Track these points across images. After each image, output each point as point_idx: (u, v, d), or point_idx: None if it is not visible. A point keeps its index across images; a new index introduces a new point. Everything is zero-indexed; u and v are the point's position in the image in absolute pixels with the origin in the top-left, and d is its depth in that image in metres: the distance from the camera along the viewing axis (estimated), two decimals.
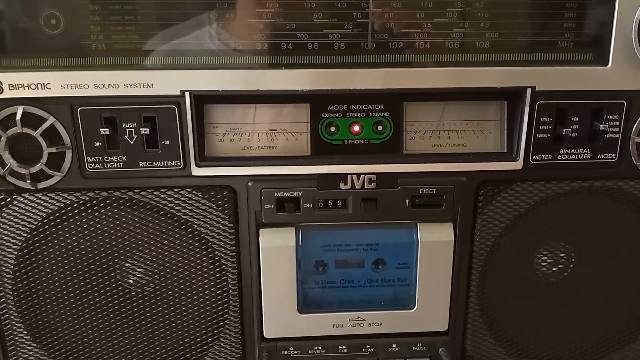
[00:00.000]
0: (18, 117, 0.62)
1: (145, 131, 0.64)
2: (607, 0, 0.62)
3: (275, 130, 0.67)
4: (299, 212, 0.67)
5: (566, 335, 0.76)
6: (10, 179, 0.65)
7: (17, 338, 0.71)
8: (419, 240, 0.69)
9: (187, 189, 0.67)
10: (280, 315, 0.71)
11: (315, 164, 0.67)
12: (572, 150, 0.67)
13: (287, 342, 0.73)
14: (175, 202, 0.67)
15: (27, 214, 0.66)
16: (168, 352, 0.73)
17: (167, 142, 0.65)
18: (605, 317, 0.76)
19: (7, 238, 0.67)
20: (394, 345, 0.74)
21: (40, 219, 0.67)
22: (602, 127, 0.66)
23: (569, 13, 0.64)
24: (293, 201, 0.67)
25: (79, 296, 0.70)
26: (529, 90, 0.64)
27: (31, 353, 0.72)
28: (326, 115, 0.67)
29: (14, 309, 0.70)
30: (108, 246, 0.68)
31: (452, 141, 0.69)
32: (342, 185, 0.67)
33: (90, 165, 0.65)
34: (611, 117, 0.66)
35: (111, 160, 0.65)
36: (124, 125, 0.64)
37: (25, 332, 0.71)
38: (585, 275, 0.74)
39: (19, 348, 0.71)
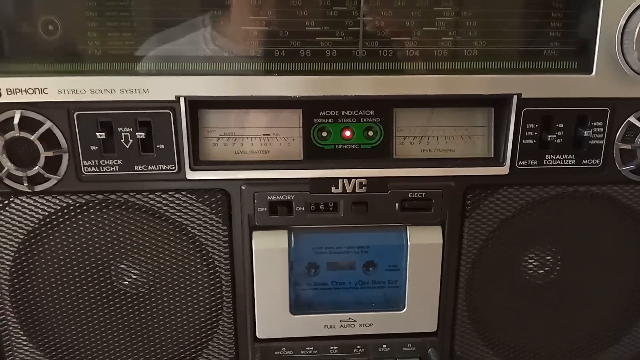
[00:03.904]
0: (16, 121, 0.63)
1: (140, 135, 0.65)
2: (592, 10, 0.64)
3: (269, 135, 0.68)
4: (291, 215, 0.68)
5: (552, 336, 0.77)
6: (7, 181, 0.65)
7: (13, 339, 0.72)
8: (409, 243, 0.71)
9: (182, 192, 0.68)
10: (273, 316, 0.72)
11: (308, 168, 0.68)
12: (557, 156, 0.69)
13: (279, 343, 0.74)
14: (170, 205, 0.68)
15: (24, 216, 0.67)
16: (162, 352, 0.74)
17: (162, 146, 0.66)
18: (590, 319, 0.77)
19: (4, 240, 0.68)
20: (384, 346, 0.75)
21: (37, 221, 0.68)
22: (586, 133, 0.67)
23: (555, 22, 0.65)
24: (286, 204, 0.68)
25: (75, 297, 0.71)
26: (515, 98, 0.66)
27: (28, 354, 0.72)
28: (318, 120, 0.68)
29: (11, 310, 0.70)
30: (104, 248, 0.69)
31: (440, 146, 0.70)
32: (333, 189, 0.68)
33: (87, 169, 0.66)
34: (595, 123, 0.68)
35: (107, 163, 0.66)
36: (119, 129, 0.65)
37: (22, 332, 0.71)
38: (571, 278, 0.75)
39: (15, 349, 0.72)
